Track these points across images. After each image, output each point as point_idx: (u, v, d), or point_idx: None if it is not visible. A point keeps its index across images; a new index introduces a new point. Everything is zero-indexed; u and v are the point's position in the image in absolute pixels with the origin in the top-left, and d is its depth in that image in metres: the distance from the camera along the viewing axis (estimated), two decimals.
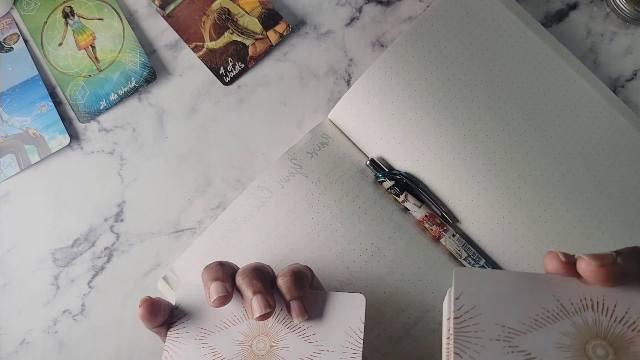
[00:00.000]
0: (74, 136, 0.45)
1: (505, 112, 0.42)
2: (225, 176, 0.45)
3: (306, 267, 0.34)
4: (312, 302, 0.31)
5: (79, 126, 0.45)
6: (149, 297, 0.31)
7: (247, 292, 0.30)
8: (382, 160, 0.43)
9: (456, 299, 0.24)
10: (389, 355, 0.39)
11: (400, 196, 0.42)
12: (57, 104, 0.45)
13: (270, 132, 0.46)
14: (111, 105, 0.45)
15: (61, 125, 0.45)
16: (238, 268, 0.33)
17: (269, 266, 0.34)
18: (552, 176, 0.41)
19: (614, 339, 0.22)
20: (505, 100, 0.42)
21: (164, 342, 0.31)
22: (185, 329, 0.31)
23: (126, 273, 0.44)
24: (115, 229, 0.44)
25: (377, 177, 0.42)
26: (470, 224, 0.41)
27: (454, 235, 0.41)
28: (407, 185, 0.42)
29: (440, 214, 0.41)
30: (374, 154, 0.43)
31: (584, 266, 0.22)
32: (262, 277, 0.31)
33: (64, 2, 0.47)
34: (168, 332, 0.31)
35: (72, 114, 0.45)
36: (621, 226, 0.41)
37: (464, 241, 0.41)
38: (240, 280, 0.31)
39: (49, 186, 0.45)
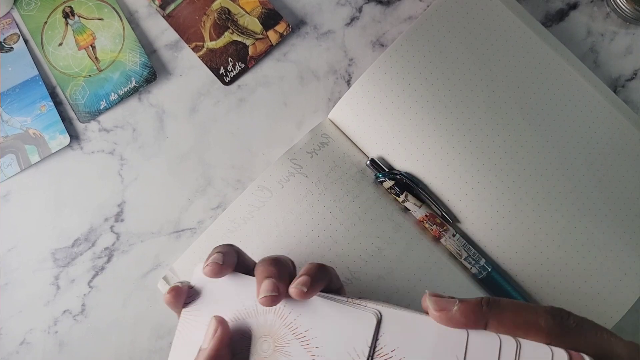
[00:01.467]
0: (74, 136, 0.45)
1: (505, 112, 0.42)
2: (226, 176, 0.45)
3: (333, 268, 0.32)
4: (323, 311, 0.29)
5: (79, 126, 0.45)
6: (177, 285, 0.31)
7: (260, 276, 0.30)
8: (382, 160, 0.43)
9: (190, 288, 0.31)
10: None
11: (401, 196, 0.42)
12: (57, 104, 0.45)
13: (270, 132, 0.46)
14: (111, 105, 0.45)
15: (61, 125, 0.45)
16: (293, 266, 0.32)
17: (292, 262, 0.33)
18: (553, 176, 0.41)
19: (277, 338, 0.28)
20: (506, 100, 0.42)
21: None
22: (199, 312, 0.31)
23: (126, 273, 0.44)
24: (116, 229, 0.44)
25: (377, 177, 0.42)
26: (470, 224, 0.41)
27: (454, 235, 0.41)
28: (407, 185, 0.42)
29: (440, 214, 0.41)
30: (374, 153, 0.43)
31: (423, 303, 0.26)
32: (279, 266, 0.31)
33: (64, 2, 0.47)
34: (182, 312, 0.31)
35: (72, 114, 0.45)
36: (621, 226, 0.41)
37: (464, 241, 0.41)
38: (257, 266, 0.31)
39: (49, 186, 0.45)
